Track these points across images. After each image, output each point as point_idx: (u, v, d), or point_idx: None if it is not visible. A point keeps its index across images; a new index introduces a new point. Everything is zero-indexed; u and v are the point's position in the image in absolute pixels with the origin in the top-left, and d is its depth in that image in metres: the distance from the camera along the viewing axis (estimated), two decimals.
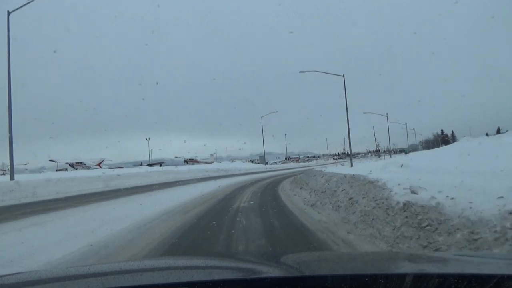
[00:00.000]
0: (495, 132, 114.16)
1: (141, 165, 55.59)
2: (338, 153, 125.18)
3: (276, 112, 53.66)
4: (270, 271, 1.42)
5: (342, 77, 27.75)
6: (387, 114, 54.65)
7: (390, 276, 1.15)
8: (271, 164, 60.89)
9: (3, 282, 1.28)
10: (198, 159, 58.24)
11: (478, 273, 1.22)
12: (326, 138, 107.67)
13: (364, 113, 54.06)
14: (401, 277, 1.10)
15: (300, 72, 28.72)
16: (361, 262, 1.73)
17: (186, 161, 55.97)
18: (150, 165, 54.10)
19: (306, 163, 70.08)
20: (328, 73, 29.04)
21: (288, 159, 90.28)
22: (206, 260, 2.02)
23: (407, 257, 1.93)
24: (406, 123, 78.53)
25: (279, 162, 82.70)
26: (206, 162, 54.38)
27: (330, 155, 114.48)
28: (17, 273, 1.48)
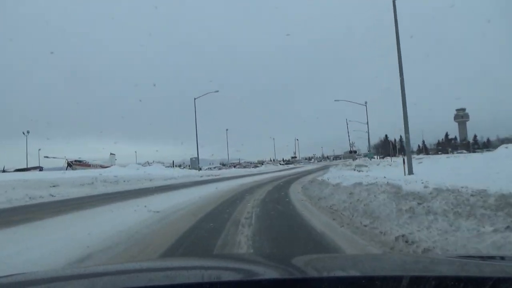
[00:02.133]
0: (443, 138, 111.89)
1: (3, 170, 34.79)
2: (272, 159, 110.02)
3: (217, 92, 36.27)
4: (266, 273, 1.38)
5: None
6: (366, 102, 40.38)
7: (387, 278, 1.12)
8: (205, 170, 42.79)
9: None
10: (89, 161, 37.37)
11: (474, 275, 1.20)
12: (274, 138, 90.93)
13: (335, 100, 39.93)
14: (398, 279, 1.06)
15: None
16: (358, 264, 1.59)
17: (70, 164, 35.10)
18: (22, 170, 33.53)
19: (254, 169, 52.80)
20: None
21: (224, 165, 72.57)
22: (202, 261, 1.97)
23: (404, 259, 1.91)
24: (367, 121, 65.49)
25: (214, 168, 65.21)
26: (102, 166, 34.01)
27: (277, 161, 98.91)
28: (13, 275, 1.40)
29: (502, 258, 1.85)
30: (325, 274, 1.32)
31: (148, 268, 1.64)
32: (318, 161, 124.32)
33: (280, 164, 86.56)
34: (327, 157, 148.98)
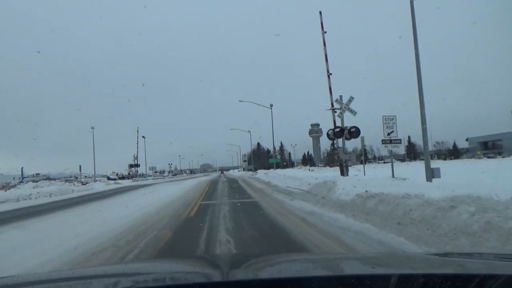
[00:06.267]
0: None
1: None
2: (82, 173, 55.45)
3: None
4: (256, 273, 1.38)
5: None
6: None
7: (376, 277, 1.13)
8: None
9: None
10: None
11: (461, 273, 1.23)
12: (93, 127, 48.56)
13: None
14: (387, 277, 1.07)
15: None
16: (346, 264, 1.62)
17: None
18: None
19: (77, 187, 24.88)
20: None
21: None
22: (181, 264, 1.93)
23: (392, 258, 1.94)
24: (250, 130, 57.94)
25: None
26: None
27: (94, 176, 49.21)
28: (12, 276, 1.43)
29: (489, 256, 1.89)
30: (314, 273, 1.33)
31: (137, 270, 1.63)
32: (172, 175, 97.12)
33: (108, 179, 49.78)
34: (183, 170, 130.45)
